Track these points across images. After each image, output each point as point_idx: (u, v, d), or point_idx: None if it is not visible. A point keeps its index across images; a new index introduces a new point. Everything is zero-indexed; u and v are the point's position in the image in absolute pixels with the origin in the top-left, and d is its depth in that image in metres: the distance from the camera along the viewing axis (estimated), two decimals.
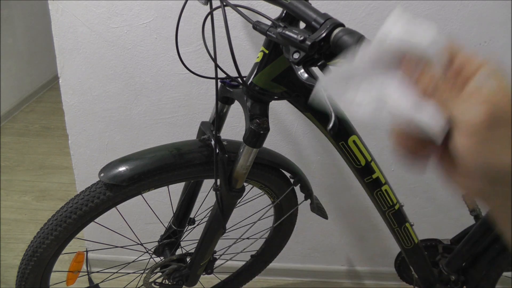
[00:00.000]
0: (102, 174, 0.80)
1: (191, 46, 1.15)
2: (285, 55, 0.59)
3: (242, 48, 1.14)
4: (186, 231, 1.07)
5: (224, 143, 0.84)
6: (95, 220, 0.86)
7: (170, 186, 0.90)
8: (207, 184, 1.02)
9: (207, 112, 1.25)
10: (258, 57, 0.74)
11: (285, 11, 0.66)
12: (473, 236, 0.98)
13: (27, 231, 1.74)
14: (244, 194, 0.88)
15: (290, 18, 0.66)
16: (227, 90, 0.81)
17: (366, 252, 1.53)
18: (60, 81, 1.22)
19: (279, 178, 0.99)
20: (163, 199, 1.28)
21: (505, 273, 1.06)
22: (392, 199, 0.89)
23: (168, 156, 0.83)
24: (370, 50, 0.30)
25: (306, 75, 0.56)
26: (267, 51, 0.72)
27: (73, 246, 0.91)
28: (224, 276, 1.30)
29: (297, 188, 1.04)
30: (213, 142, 0.83)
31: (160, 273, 1.05)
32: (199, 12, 1.10)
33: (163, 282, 1.06)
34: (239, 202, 0.92)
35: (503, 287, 1.42)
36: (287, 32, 0.56)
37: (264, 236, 1.23)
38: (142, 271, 1.07)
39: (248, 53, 1.15)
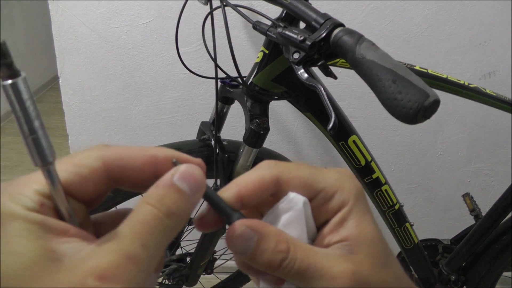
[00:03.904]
0: None
1: (191, 46, 1.15)
2: (285, 55, 0.59)
3: (242, 48, 1.14)
4: (186, 231, 1.07)
5: (224, 143, 0.84)
6: None
7: None
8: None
9: (207, 112, 1.25)
10: (258, 57, 0.74)
11: (285, 11, 0.66)
12: (473, 236, 0.98)
13: None
14: None
15: (290, 18, 0.66)
16: (227, 90, 0.81)
17: None
18: (60, 81, 1.22)
19: None
20: None
21: (505, 273, 1.06)
22: (392, 199, 0.89)
23: None
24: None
25: (306, 75, 0.56)
26: (267, 51, 0.72)
27: None
28: (224, 276, 1.30)
29: None
30: (213, 142, 0.83)
31: (160, 273, 1.05)
32: (199, 12, 1.10)
33: (163, 282, 1.06)
34: None
35: (503, 287, 1.43)
36: (287, 32, 0.56)
37: None
38: None
39: (248, 53, 1.15)
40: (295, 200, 0.25)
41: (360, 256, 0.24)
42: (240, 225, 0.23)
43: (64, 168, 0.22)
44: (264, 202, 0.26)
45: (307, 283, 0.23)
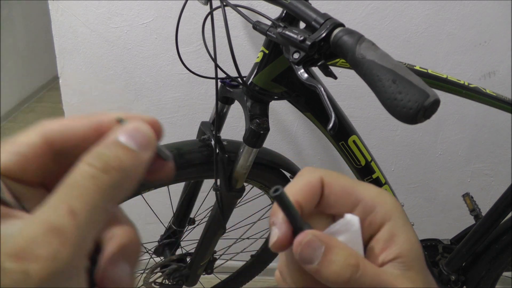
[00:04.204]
0: None
1: (191, 46, 1.15)
2: (285, 55, 0.59)
3: (242, 48, 1.14)
4: (186, 231, 1.07)
5: (224, 143, 0.84)
6: None
7: (170, 186, 0.90)
8: (207, 184, 1.02)
9: (207, 112, 1.25)
10: (258, 57, 0.74)
11: (285, 11, 0.66)
12: (473, 236, 0.98)
13: None
14: (244, 194, 0.88)
15: (290, 18, 0.66)
16: (227, 90, 0.81)
17: None
18: (60, 81, 1.22)
19: (279, 178, 0.99)
20: (163, 199, 1.28)
21: (505, 273, 1.06)
22: None
23: None
24: None
25: (306, 75, 0.56)
26: (267, 51, 0.72)
27: None
28: (224, 276, 1.30)
29: None
30: (213, 142, 0.83)
31: (160, 273, 1.05)
32: (199, 12, 1.10)
33: (163, 282, 1.06)
34: (239, 202, 0.92)
35: (503, 287, 1.42)
36: (287, 32, 0.56)
37: (264, 236, 1.23)
38: (142, 271, 1.07)
39: (248, 53, 1.15)
40: (351, 221, 0.24)
41: (413, 273, 0.24)
42: (308, 233, 0.22)
43: (4, 149, 0.21)
44: (309, 215, 0.25)
45: None
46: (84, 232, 0.17)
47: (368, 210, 0.24)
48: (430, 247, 1.10)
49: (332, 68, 0.61)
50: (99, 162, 0.18)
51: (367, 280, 0.22)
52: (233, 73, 0.72)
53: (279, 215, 0.23)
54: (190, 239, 1.08)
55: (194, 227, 1.09)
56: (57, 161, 0.21)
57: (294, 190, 0.24)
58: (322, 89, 0.55)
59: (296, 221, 0.23)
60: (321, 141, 1.30)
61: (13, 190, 0.20)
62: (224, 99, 0.85)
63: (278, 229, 0.23)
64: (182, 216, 1.04)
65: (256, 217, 1.13)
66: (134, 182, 0.20)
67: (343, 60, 0.73)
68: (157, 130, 0.22)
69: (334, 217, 0.26)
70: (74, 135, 0.21)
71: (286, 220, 0.23)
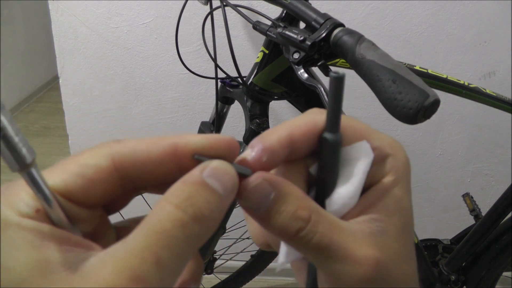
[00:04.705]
0: None
1: (191, 46, 1.15)
2: (285, 55, 0.59)
3: (242, 48, 1.14)
4: None
5: None
6: None
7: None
8: None
9: (207, 112, 1.25)
10: (258, 57, 0.74)
11: (285, 11, 0.66)
12: (473, 236, 0.98)
13: None
14: None
15: (290, 18, 0.66)
16: (227, 90, 0.81)
17: None
18: (60, 81, 1.22)
19: None
20: None
21: (505, 273, 1.06)
22: None
23: None
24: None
25: (306, 75, 0.56)
26: (267, 51, 0.72)
27: None
28: (224, 276, 1.30)
29: None
30: None
31: None
32: (199, 12, 1.10)
33: None
34: None
35: (503, 287, 1.42)
36: (287, 32, 0.56)
37: None
38: None
39: (248, 53, 1.15)
40: (367, 152, 0.22)
41: (389, 240, 0.20)
42: (258, 177, 0.19)
43: (67, 168, 0.19)
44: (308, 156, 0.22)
45: (324, 262, 0.20)
46: (168, 282, 0.17)
47: (380, 159, 0.22)
48: (430, 247, 1.10)
49: (332, 68, 0.61)
50: (191, 208, 0.17)
51: (317, 237, 0.19)
52: (233, 73, 0.72)
53: (273, 136, 0.20)
54: None
55: None
56: (122, 185, 0.20)
57: (291, 124, 0.21)
58: (322, 89, 0.55)
59: (336, 118, 0.20)
60: None
61: (69, 211, 0.19)
62: (224, 99, 0.85)
63: (262, 149, 0.20)
64: None
65: None
66: (216, 228, 0.19)
67: (343, 60, 0.73)
68: (235, 150, 0.20)
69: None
70: (147, 160, 0.19)
71: (278, 145, 0.20)
